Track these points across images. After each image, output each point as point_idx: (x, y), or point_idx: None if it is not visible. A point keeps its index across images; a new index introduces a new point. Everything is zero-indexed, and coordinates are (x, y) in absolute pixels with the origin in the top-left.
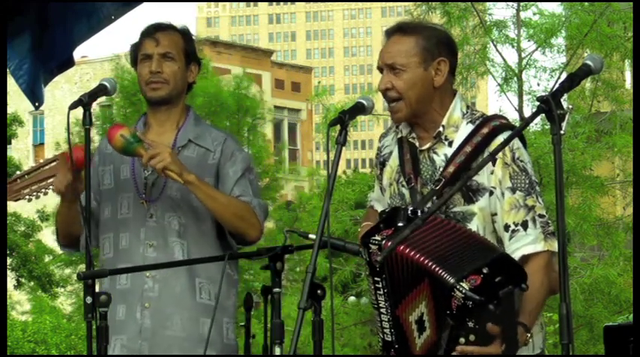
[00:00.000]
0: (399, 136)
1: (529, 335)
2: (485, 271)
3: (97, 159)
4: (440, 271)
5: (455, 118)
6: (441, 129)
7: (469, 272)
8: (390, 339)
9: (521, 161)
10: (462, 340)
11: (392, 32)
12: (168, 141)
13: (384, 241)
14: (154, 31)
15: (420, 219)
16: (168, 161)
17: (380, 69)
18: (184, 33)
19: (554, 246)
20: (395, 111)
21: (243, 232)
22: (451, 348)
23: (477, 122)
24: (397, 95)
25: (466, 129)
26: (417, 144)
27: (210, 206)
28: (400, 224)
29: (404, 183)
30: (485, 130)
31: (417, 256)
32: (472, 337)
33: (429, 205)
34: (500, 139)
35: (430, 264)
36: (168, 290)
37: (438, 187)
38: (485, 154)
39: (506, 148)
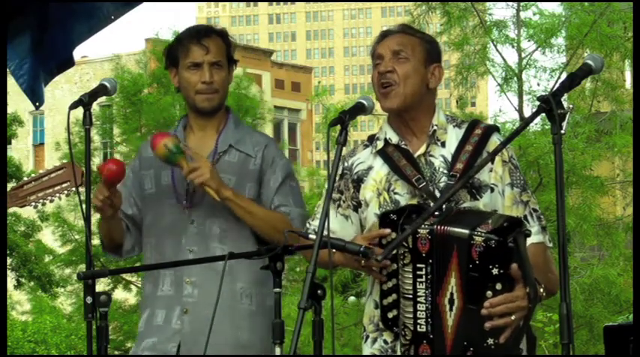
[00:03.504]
0: (380, 147)
1: (542, 290)
2: (490, 221)
3: (137, 163)
4: (454, 228)
5: (442, 121)
6: (435, 128)
7: (478, 224)
8: (423, 330)
9: (514, 159)
10: (489, 293)
11: (395, 31)
12: (209, 146)
13: (435, 225)
14: (201, 37)
15: (421, 218)
16: (206, 177)
17: (380, 57)
18: (225, 36)
19: (547, 240)
20: (389, 95)
21: (280, 242)
22: (480, 306)
23: (465, 125)
24: (396, 79)
25: (454, 132)
26: (411, 150)
27: (249, 221)
28: (437, 213)
29: (397, 190)
30: (478, 131)
31: (436, 227)
32: (499, 286)
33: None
34: (495, 138)
35: (444, 227)
36: (207, 296)
37: (454, 183)
38: (484, 152)
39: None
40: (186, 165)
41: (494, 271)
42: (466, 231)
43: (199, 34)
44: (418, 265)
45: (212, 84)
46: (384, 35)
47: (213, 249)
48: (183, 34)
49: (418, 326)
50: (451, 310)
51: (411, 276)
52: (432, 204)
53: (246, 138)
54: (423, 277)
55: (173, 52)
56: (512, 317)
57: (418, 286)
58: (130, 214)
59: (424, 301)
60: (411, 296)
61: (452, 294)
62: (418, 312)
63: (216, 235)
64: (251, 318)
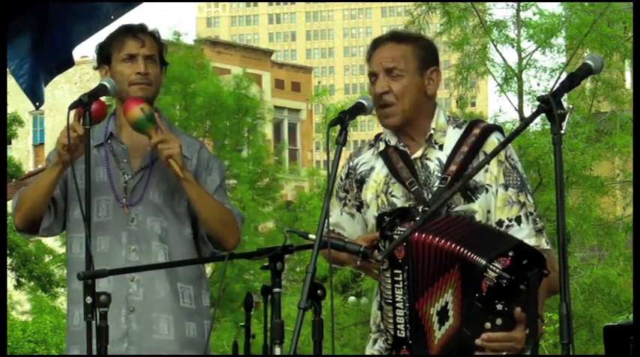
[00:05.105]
0: (382, 149)
1: (543, 326)
2: (511, 254)
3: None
4: (470, 253)
5: (441, 123)
6: (432, 132)
7: (497, 254)
8: (403, 335)
9: (512, 159)
10: (488, 324)
11: (385, 40)
12: (144, 143)
13: (416, 233)
14: (136, 31)
15: (420, 219)
16: (176, 151)
17: (374, 74)
18: (158, 36)
19: (543, 242)
20: (388, 115)
21: (223, 238)
22: (476, 333)
23: (465, 126)
24: (393, 99)
25: (454, 132)
26: (409, 152)
27: (200, 206)
28: (417, 218)
29: (394, 193)
30: (476, 131)
31: (445, 242)
32: (499, 321)
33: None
34: (493, 138)
35: (460, 248)
36: (152, 294)
37: (444, 186)
38: (480, 152)
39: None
40: (155, 135)
41: (499, 307)
42: (482, 261)
43: (134, 29)
44: (395, 271)
45: (147, 75)
46: (375, 45)
47: (155, 248)
48: (116, 30)
49: (398, 331)
50: (441, 323)
51: (389, 281)
52: (421, 208)
53: (180, 139)
54: (401, 282)
55: (106, 48)
56: (504, 353)
57: (396, 292)
58: (53, 196)
59: (402, 307)
60: (390, 301)
61: (446, 309)
62: (397, 317)
63: (158, 234)
64: (192, 317)
